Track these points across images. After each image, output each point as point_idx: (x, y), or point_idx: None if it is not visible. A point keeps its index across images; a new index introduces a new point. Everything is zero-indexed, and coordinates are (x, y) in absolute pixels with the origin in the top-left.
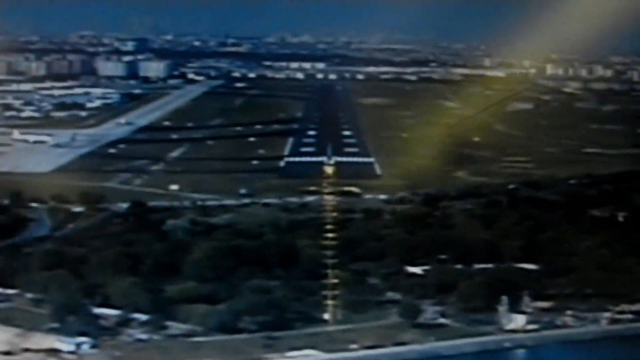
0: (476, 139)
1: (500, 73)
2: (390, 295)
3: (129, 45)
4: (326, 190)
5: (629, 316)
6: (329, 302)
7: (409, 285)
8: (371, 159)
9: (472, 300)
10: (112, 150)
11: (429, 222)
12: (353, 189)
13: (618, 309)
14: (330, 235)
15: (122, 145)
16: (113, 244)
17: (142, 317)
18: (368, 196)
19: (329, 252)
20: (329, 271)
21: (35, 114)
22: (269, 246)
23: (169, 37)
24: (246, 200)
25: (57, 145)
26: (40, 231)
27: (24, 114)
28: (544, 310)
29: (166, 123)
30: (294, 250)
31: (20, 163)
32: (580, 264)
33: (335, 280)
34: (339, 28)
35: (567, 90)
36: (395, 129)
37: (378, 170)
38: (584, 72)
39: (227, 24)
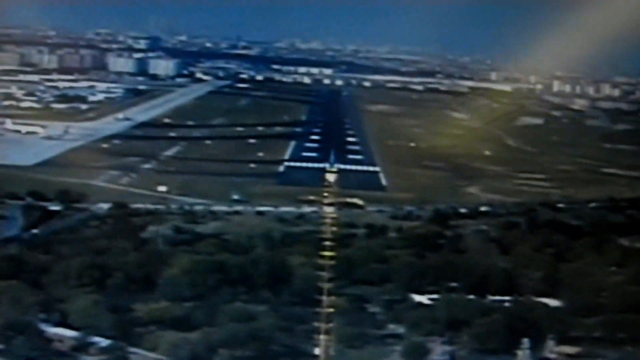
0: (487, 152)
1: (506, 87)
2: (393, 328)
3: (142, 44)
4: (326, 201)
5: None
6: (322, 334)
7: (414, 318)
8: (376, 168)
9: (488, 341)
10: (104, 146)
11: (438, 244)
12: (356, 200)
13: None
14: (327, 253)
15: (116, 141)
16: (83, 251)
17: (103, 341)
18: (372, 209)
19: (325, 274)
20: (324, 297)
21: (35, 105)
22: (258, 263)
23: (182, 38)
24: (238, 208)
25: (49, 138)
26: (8, 231)
27: (23, 104)
28: (569, 356)
29: (166, 120)
30: (285, 270)
31: (6, 154)
32: (610, 302)
33: (330, 309)
34: (347, 37)
35: (575, 107)
36: (402, 138)
37: (383, 180)
38: (591, 91)
39: (240, 28)
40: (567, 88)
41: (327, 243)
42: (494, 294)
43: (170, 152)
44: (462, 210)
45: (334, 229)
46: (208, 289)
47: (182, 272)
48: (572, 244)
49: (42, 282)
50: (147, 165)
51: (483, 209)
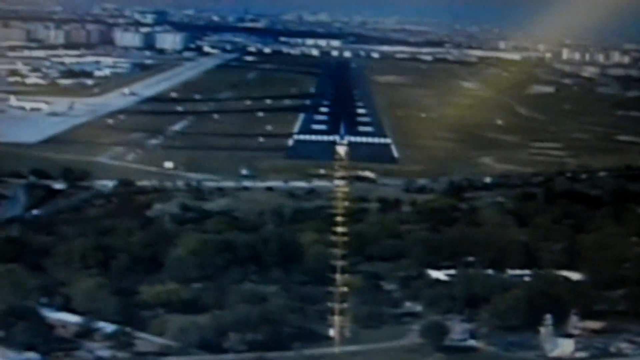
0: (499, 122)
1: (515, 56)
2: (409, 306)
3: (149, 18)
4: (337, 174)
5: None
6: (336, 315)
7: (431, 295)
8: (387, 140)
9: (509, 318)
10: (110, 121)
11: (454, 217)
12: (368, 173)
13: None
14: (340, 229)
15: (121, 116)
16: (86, 231)
17: (108, 327)
18: (384, 182)
19: (338, 251)
20: (337, 276)
21: (41, 81)
22: (268, 241)
23: (189, 12)
24: (247, 183)
25: (53, 114)
26: (10, 211)
27: (28, 80)
28: (594, 331)
29: (173, 95)
30: (296, 248)
31: (10, 131)
32: (632, 273)
33: (344, 288)
34: (354, 8)
35: (585, 75)
36: (412, 109)
37: (395, 152)
38: (600, 58)
39: (247, 1)
40: (577, 56)
41: (339, 219)
42: (513, 268)
43: (177, 127)
44: (477, 182)
45: (346, 203)
46: (217, 270)
47: (190, 253)
48: (591, 215)
49: (44, 264)
50: (153, 141)
51: (498, 180)
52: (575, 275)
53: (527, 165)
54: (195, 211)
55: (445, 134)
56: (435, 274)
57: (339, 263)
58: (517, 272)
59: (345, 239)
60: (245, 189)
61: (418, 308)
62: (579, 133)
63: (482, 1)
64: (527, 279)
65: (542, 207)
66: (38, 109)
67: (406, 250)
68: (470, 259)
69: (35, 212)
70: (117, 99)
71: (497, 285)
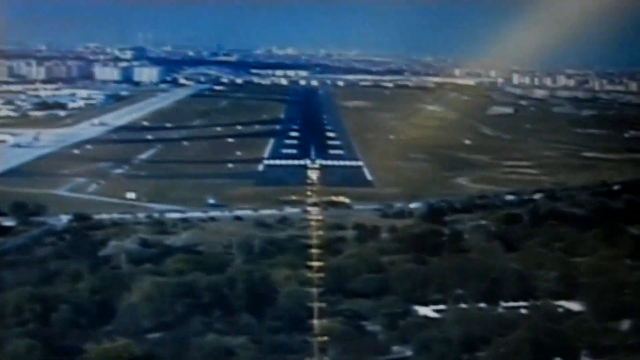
0: (467, 141)
1: (470, 81)
2: (398, 350)
3: (128, 54)
4: (310, 200)
5: None
6: None
7: (422, 338)
8: (359, 163)
9: None
10: (75, 151)
11: (437, 244)
12: (342, 198)
13: None
14: (315, 263)
15: (88, 146)
16: (28, 277)
17: None
18: (359, 207)
19: (314, 290)
20: (315, 321)
21: (13, 113)
22: (235, 282)
23: (167, 48)
24: (214, 213)
25: (17, 145)
26: None
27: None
28: None
29: (144, 123)
30: (268, 288)
31: None
32: (635, 300)
33: (324, 337)
34: (319, 43)
35: (538, 97)
36: (380, 131)
37: (368, 175)
38: (548, 82)
39: (220, 38)
40: (527, 80)
41: (314, 251)
42: (507, 300)
43: (144, 156)
44: (456, 204)
45: (321, 232)
46: (176, 318)
47: (144, 299)
48: (581, 237)
49: None
50: (119, 170)
51: (478, 201)
52: (574, 306)
53: (502, 185)
54: (155, 247)
55: (417, 155)
56: (423, 310)
57: (316, 305)
58: (512, 304)
59: (322, 274)
60: (212, 219)
61: (408, 352)
62: (546, 151)
63: (434, 33)
64: (523, 311)
65: (529, 230)
66: (2, 141)
67: (389, 285)
68: (460, 291)
69: None
70: (87, 129)
71: (494, 322)
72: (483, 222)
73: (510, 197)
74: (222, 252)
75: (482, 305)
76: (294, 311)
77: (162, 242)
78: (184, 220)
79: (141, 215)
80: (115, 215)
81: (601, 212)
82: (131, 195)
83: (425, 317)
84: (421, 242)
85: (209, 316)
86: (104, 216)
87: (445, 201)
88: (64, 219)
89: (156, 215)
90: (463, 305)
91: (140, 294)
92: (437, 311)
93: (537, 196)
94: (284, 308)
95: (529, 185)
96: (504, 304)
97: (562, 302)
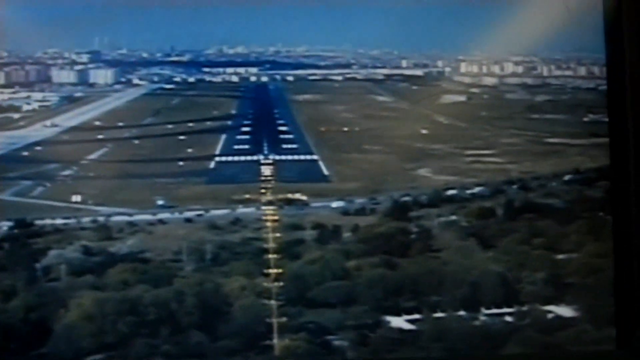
0: (423, 131)
1: (418, 72)
2: None
3: (84, 57)
4: (265, 199)
5: None
6: None
7: (397, 357)
8: (314, 157)
9: None
10: (24, 154)
11: (405, 244)
12: (298, 195)
13: None
14: (273, 271)
15: (38, 148)
16: None
17: None
18: (317, 204)
19: (273, 302)
20: (275, 339)
21: None
22: (184, 295)
23: (122, 51)
24: (163, 215)
25: None
26: None
27: None
28: None
29: (97, 123)
30: (221, 301)
31: None
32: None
33: (285, 357)
34: (267, 41)
35: (488, 84)
36: (333, 123)
37: (325, 170)
38: (496, 69)
39: (173, 40)
40: (474, 69)
41: (271, 256)
42: (488, 307)
43: (94, 156)
44: (421, 198)
45: (277, 234)
46: (118, 340)
47: (82, 318)
48: (562, 231)
49: None
50: (67, 172)
51: (444, 194)
52: (566, 311)
53: (467, 175)
54: (98, 255)
55: (372, 147)
56: (396, 321)
57: (276, 320)
58: (495, 311)
59: (281, 283)
60: (161, 222)
61: None
62: (507, 138)
63: (380, 27)
64: (509, 319)
65: (505, 225)
66: None
67: (357, 293)
68: (436, 298)
69: None
70: (38, 130)
71: (478, 335)
72: (453, 217)
73: (479, 189)
74: (171, 260)
75: (462, 313)
76: (250, 328)
77: (106, 249)
78: (131, 224)
79: (86, 220)
80: (59, 221)
81: (580, 202)
82: (77, 198)
83: (399, 330)
84: (387, 242)
85: (155, 336)
86: (47, 222)
87: (409, 195)
88: (4, 226)
89: (101, 219)
90: (440, 314)
91: (79, 312)
92: (411, 321)
93: (507, 187)
94: (240, 324)
95: (495, 174)
96: (486, 312)
97: (552, 307)
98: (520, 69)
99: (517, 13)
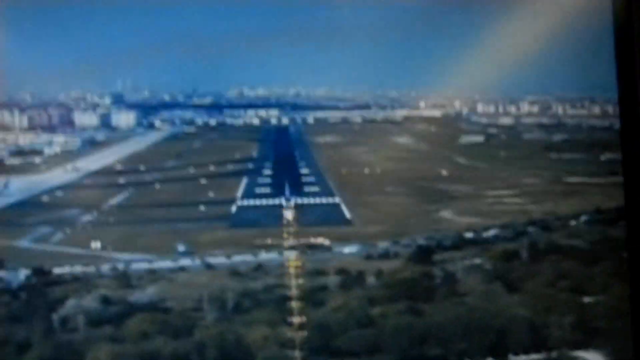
0: (444, 172)
1: (436, 113)
2: None
3: (106, 100)
4: (287, 244)
5: None
6: None
7: None
8: (336, 200)
9: None
10: (45, 199)
11: (430, 288)
12: (321, 240)
13: None
14: (296, 319)
15: (59, 193)
16: None
17: None
18: (340, 249)
19: (297, 353)
20: None
21: None
22: (205, 347)
23: (144, 94)
24: (184, 262)
25: None
26: None
27: None
28: None
29: (118, 167)
30: (243, 352)
31: None
32: None
33: None
34: (288, 82)
35: (505, 124)
36: (354, 165)
37: (347, 213)
38: (512, 109)
39: (196, 82)
40: (491, 109)
41: (294, 304)
42: (516, 353)
43: (115, 201)
44: (445, 241)
45: (300, 280)
46: None
47: None
48: (587, 272)
49: None
50: (86, 217)
51: (467, 237)
52: (594, 357)
53: (489, 217)
54: (117, 305)
55: (394, 189)
56: None
57: None
58: (524, 357)
59: (304, 332)
60: (182, 269)
61: None
62: (527, 178)
63: (396, 69)
64: None
65: (529, 268)
66: None
67: (382, 342)
68: (463, 345)
69: None
70: (59, 175)
71: None
72: (477, 260)
73: (501, 231)
74: (191, 309)
75: None
76: None
77: (126, 298)
78: (151, 271)
79: (105, 267)
80: (77, 269)
81: (603, 243)
82: (96, 244)
83: None
84: (412, 287)
85: None
86: (65, 270)
87: (433, 238)
88: (22, 274)
89: (121, 266)
90: None
91: None
92: None
93: (530, 228)
94: None
95: (517, 215)
96: (514, 358)
97: (580, 353)
98: (535, 109)
99: (530, 52)
